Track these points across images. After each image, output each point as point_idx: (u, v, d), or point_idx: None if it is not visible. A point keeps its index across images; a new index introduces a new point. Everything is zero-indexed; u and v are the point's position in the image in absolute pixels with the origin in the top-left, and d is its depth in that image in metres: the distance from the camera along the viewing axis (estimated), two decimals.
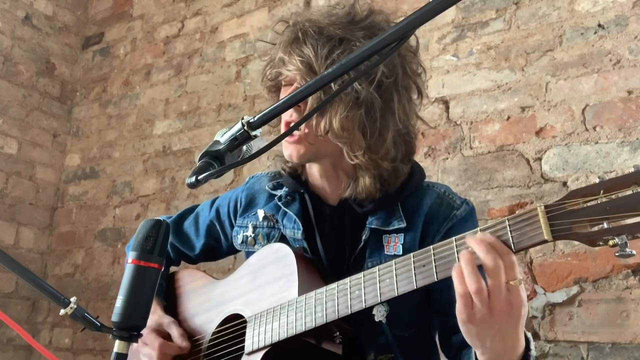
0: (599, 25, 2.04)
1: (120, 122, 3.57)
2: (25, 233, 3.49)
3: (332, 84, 1.00)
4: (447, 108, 2.31)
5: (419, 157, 2.30)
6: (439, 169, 2.26)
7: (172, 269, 1.57)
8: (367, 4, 1.23)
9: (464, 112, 2.27)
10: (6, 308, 3.25)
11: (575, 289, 1.87)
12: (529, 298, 1.94)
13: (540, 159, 2.05)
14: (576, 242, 1.88)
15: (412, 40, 1.21)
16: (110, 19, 3.91)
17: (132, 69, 3.63)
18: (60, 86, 3.83)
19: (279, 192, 1.32)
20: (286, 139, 1.16)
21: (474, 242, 0.86)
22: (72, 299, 0.98)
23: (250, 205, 1.39)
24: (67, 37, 3.91)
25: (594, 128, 1.97)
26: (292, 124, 1.16)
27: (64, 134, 3.80)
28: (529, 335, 0.95)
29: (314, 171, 1.26)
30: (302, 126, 1.14)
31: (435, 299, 1.18)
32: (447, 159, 2.26)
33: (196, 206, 1.55)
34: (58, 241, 3.59)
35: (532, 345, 0.94)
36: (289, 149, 1.18)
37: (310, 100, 1.09)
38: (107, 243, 3.34)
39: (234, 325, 1.25)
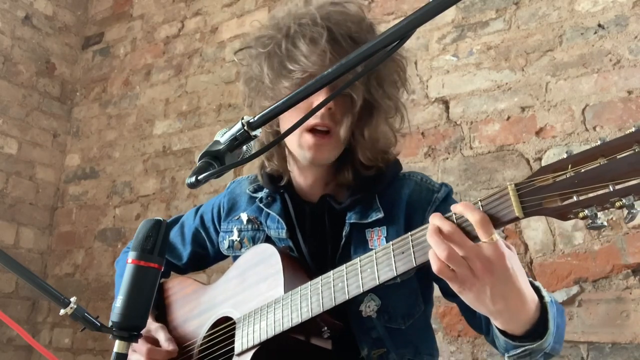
0: (599, 25, 2.04)
1: (120, 122, 3.57)
2: (25, 233, 3.49)
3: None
4: (447, 108, 2.31)
5: (418, 157, 2.30)
6: (439, 169, 2.26)
7: (162, 280, 1.56)
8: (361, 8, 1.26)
9: (464, 112, 2.27)
10: (6, 308, 3.25)
11: (575, 289, 1.87)
12: None
13: (540, 159, 2.05)
14: (576, 242, 1.89)
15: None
16: (110, 19, 3.91)
17: (132, 69, 3.63)
18: (60, 86, 3.83)
19: (260, 194, 1.34)
20: (319, 139, 1.16)
21: (431, 217, 0.89)
22: (72, 299, 0.98)
23: (232, 209, 1.40)
24: (67, 37, 3.91)
25: (594, 128, 1.97)
26: (320, 127, 1.16)
27: (64, 134, 3.80)
28: (538, 283, 0.95)
29: (300, 169, 1.26)
30: (341, 130, 1.16)
31: (442, 285, 1.19)
32: (447, 159, 2.26)
33: (181, 216, 1.56)
34: (58, 241, 3.59)
35: (545, 292, 0.94)
36: (312, 153, 1.17)
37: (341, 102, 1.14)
38: (107, 243, 3.34)
39: (224, 328, 1.25)
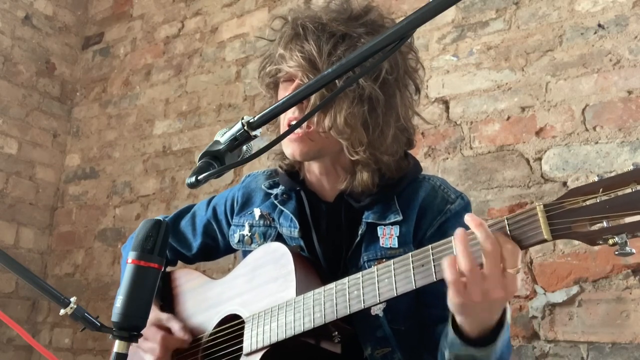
0: (599, 25, 2.04)
1: (120, 122, 3.57)
2: (25, 233, 3.49)
3: (336, 81, 1.02)
4: (447, 108, 2.31)
5: (419, 157, 2.29)
6: (439, 169, 2.26)
7: (169, 269, 1.56)
8: (365, 1, 1.23)
9: (464, 112, 2.27)
10: (6, 308, 3.24)
11: (575, 289, 1.87)
12: (529, 298, 1.94)
13: (540, 159, 2.05)
14: (576, 242, 1.88)
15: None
16: (110, 19, 3.91)
17: (132, 69, 3.63)
18: (60, 86, 3.83)
19: (275, 191, 1.32)
20: (288, 136, 1.17)
21: (474, 223, 0.86)
22: (72, 299, 0.98)
23: (246, 203, 1.38)
24: (67, 37, 3.91)
25: (594, 128, 1.97)
26: (294, 122, 1.16)
27: (64, 134, 3.80)
28: (507, 305, 0.96)
29: (313, 168, 1.26)
30: (304, 124, 1.14)
31: (426, 312, 1.17)
32: (447, 159, 2.26)
33: (192, 206, 1.54)
34: (58, 241, 3.59)
35: (508, 309, 0.95)
36: (291, 147, 1.18)
37: (312, 97, 1.09)
38: (107, 243, 3.34)
39: (232, 326, 1.24)
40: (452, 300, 0.87)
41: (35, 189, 3.59)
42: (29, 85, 3.62)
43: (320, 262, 1.22)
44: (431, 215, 1.17)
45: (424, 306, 1.16)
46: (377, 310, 1.13)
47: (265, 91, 1.28)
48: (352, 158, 1.16)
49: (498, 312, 0.90)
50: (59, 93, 3.82)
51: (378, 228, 1.18)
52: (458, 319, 0.93)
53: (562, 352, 1.85)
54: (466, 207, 1.21)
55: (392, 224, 1.17)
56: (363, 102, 1.12)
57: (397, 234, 1.16)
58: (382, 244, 1.16)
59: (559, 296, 1.89)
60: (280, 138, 0.91)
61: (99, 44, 3.90)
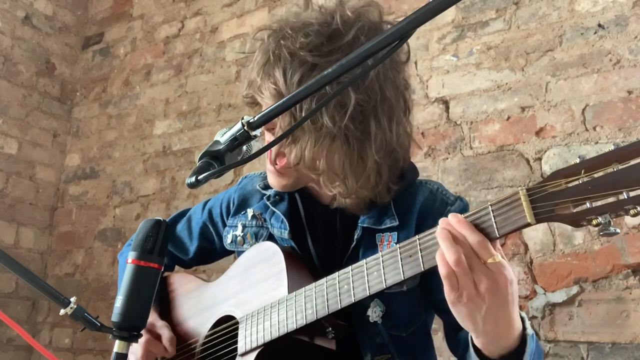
0: (599, 25, 2.04)
1: (120, 122, 3.57)
2: (25, 233, 3.49)
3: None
4: (447, 108, 2.31)
5: (419, 157, 2.30)
6: (439, 169, 2.26)
7: (166, 274, 1.56)
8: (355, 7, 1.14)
9: (464, 112, 2.27)
10: (6, 308, 3.25)
11: (575, 289, 1.87)
12: (529, 298, 1.94)
13: (540, 159, 2.05)
14: (576, 242, 1.89)
15: (400, 53, 1.16)
16: (110, 19, 3.91)
17: (132, 69, 3.63)
18: (60, 86, 3.83)
19: (269, 192, 1.32)
20: (268, 167, 1.19)
21: (441, 222, 0.87)
22: (72, 299, 0.98)
23: (242, 205, 1.38)
24: (67, 37, 3.91)
25: (594, 128, 1.97)
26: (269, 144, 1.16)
27: (64, 134, 3.80)
28: (524, 314, 0.94)
29: None
30: (275, 158, 1.15)
31: (436, 299, 1.16)
32: (447, 159, 2.26)
33: (187, 210, 1.54)
34: (58, 241, 3.59)
35: (528, 324, 0.93)
36: (270, 178, 1.21)
37: (280, 121, 1.08)
38: (107, 243, 3.34)
39: (227, 327, 1.24)
40: (448, 297, 0.86)
41: (35, 189, 3.59)
42: (29, 85, 3.62)
43: (313, 260, 1.22)
44: (432, 218, 1.16)
45: (445, 313, 1.13)
46: (376, 318, 1.13)
47: (249, 108, 1.25)
48: (330, 193, 1.15)
49: (506, 322, 0.87)
50: (59, 93, 3.82)
51: (377, 235, 1.17)
52: (473, 336, 0.92)
53: (562, 352, 1.85)
54: (465, 209, 1.20)
55: (389, 229, 1.17)
56: (333, 138, 1.08)
57: (396, 241, 1.15)
58: (380, 250, 1.15)
59: (559, 296, 1.89)
60: (270, 146, 0.91)
61: (99, 44, 3.90)
